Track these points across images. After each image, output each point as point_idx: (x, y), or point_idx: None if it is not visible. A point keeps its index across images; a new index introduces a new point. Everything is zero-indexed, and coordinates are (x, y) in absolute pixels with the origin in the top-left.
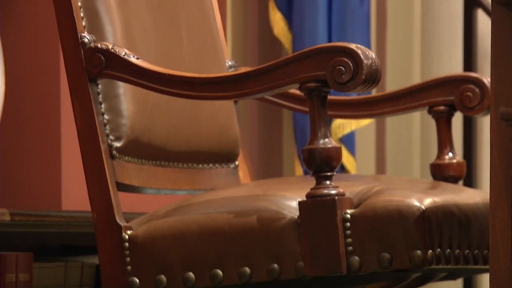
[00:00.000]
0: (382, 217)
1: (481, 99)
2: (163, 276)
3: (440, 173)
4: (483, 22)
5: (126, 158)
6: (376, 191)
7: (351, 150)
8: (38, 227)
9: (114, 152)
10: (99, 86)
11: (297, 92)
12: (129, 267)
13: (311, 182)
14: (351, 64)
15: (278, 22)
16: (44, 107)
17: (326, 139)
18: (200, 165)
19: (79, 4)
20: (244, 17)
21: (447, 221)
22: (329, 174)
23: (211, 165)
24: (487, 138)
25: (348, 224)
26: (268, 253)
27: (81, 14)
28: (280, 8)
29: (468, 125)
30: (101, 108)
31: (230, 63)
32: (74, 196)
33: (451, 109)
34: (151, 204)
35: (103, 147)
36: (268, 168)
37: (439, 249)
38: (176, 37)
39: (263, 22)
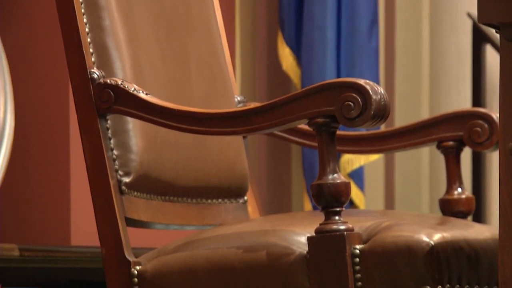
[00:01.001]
0: (391, 253)
1: (490, 134)
2: None
3: (449, 209)
4: (492, 57)
5: (135, 193)
6: (385, 226)
7: (360, 185)
8: (47, 263)
9: (123, 187)
10: (108, 121)
11: (306, 127)
12: None
13: (320, 217)
14: (360, 100)
15: (286, 57)
16: (54, 142)
17: (335, 174)
18: (209, 200)
19: (89, 39)
20: (252, 52)
21: (456, 257)
22: (338, 209)
23: (220, 200)
24: (496, 173)
25: (357, 259)
26: None
27: (91, 50)
28: (288, 43)
29: (477, 160)
30: (110, 143)
31: (239, 98)
32: (83, 232)
33: (460, 144)
34: (160, 239)
35: (112, 182)
36: (277, 203)
37: (448, 285)
38: (185, 72)
39: (271, 57)
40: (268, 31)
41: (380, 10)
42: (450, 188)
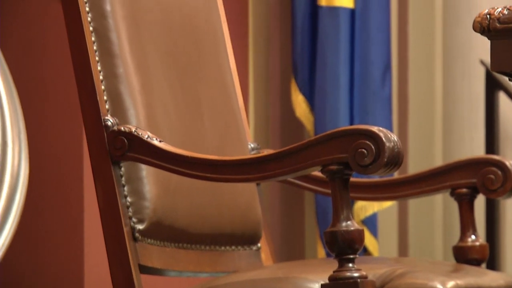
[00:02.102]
0: None
1: (503, 181)
2: None
3: (463, 256)
4: (505, 104)
5: (149, 240)
6: (399, 273)
7: (374, 232)
8: None
9: (137, 234)
10: (122, 168)
11: (319, 173)
12: None
13: (334, 264)
14: (373, 147)
15: (300, 104)
16: (67, 189)
17: (349, 222)
18: (223, 247)
19: (103, 87)
20: (266, 99)
21: None
22: (351, 256)
23: (233, 247)
24: (510, 220)
25: None
26: None
27: (105, 97)
28: (302, 90)
29: (491, 207)
30: (124, 190)
31: (252, 145)
32: (97, 279)
33: (474, 192)
34: (174, 286)
35: (125, 229)
36: (291, 250)
37: None
38: (198, 119)
39: (285, 104)
40: (281, 77)
41: (393, 57)
42: (463, 235)
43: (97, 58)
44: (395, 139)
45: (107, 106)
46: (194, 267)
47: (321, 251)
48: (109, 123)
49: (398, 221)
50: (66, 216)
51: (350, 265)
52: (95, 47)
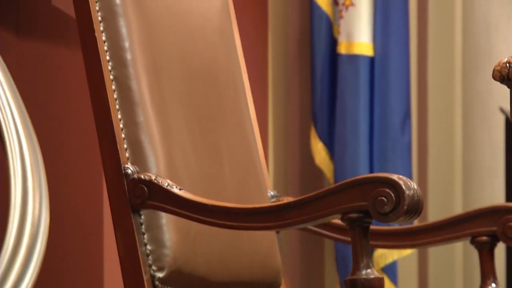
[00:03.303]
0: None
1: None
2: None
3: None
4: None
5: None
6: None
7: (394, 280)
8: None
9: (157, 282)
10: (142, 216)
11: (339, 221)
12: None
13: None
14: (393, 195)
15: (320, 151)
16: (87, 236)
17: (369, 270)
18: None
19: (123, 135)
20: (285, 146)
21: None
22: None
23: None
24: None
25: None
26: None
27: (125, 145)
28: (321, 138)
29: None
30: (143, 238)
31: (272, 193)
32: None
33: (494, 239)
34: None
35: (145, 277)
36: None
37: None
38: (218, 167)
39: (304, 151)
40: (300, 125)
41: (413, 105)
42: (484, 283)
43: (117, 106)
44: (415, 187)
45: (127, 154)
46: None
47: None
48: (129, 171)
49: (418, 269)
50: (86, 264)
51: None
52: (115, 95)
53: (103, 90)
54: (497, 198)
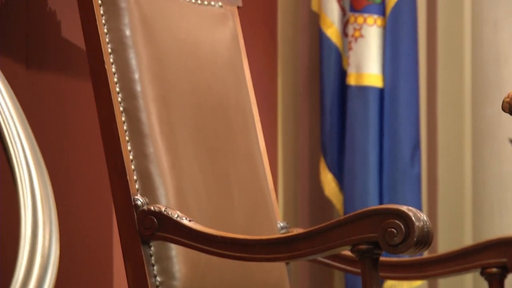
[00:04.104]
0: None
1: None
2: None
3: None
4: None
5: None
6: None
7: None
8: None
9: None
10: (152, 247)
11: (348, 252)
12: None
13: None
14: (403, 227)
15: (329, 183)
16: (97, 268)
17: None
18: None
19: (133, 166)
20: (295, 178)
21: None
22: None
23: None
24: None
25: None
26: None
27: (134, 177)
28: (331, 169)
29: None
30: (153, 270)
31: (281, 224)
32: None
33: (504, 271)
34: None
35: None
36: None
37: None
38: (227, 198)
39: (314, 182)
40: (310, 156)
41: (422, 136)
42: None
43: (127, 138)
44: (425, 218)
45: (137, 186)
46: None
47: None
48: (139, 203)
49: None
50: None
51: None
52: (125, 127)
53: (113, 122)
54: (507, 229)
